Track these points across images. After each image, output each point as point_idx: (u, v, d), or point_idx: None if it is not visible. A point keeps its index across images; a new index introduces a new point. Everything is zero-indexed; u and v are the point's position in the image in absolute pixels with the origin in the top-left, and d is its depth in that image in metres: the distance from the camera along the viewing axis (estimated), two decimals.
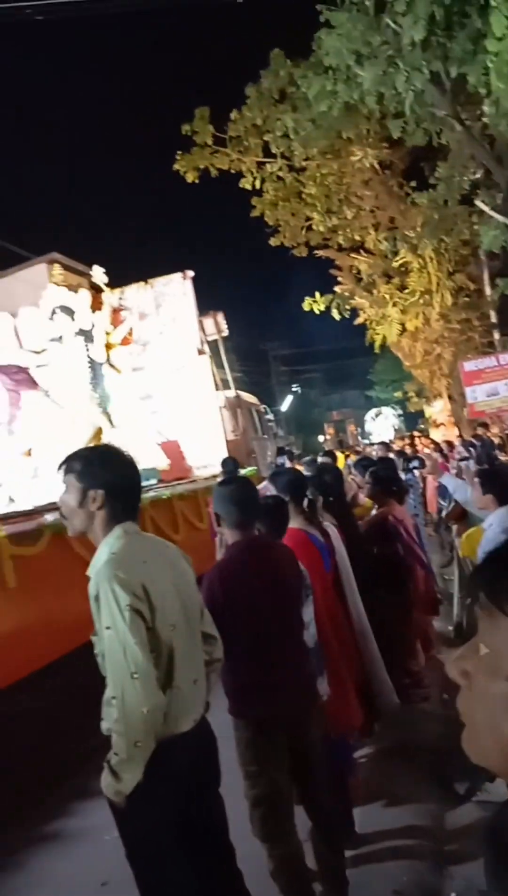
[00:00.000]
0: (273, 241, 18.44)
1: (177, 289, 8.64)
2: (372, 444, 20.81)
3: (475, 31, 8.46)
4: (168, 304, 8.64)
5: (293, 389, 42.50)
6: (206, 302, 9.15)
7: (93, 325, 7.65)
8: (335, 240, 17.86)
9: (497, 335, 17.41)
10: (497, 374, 13.98)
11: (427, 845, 3.31)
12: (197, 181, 14.78)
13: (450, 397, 18.51)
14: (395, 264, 15.94)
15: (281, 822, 2.62)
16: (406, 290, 16.10)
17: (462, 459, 8.72)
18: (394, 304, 15.82)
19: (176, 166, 14.51)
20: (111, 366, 7.83)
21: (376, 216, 16.44)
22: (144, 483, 6.70)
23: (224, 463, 7.24)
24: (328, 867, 2.86)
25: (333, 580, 3.68)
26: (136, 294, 8.70)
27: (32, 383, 7.15)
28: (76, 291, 7.44)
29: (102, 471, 2.13)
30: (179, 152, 14.37)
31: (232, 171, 14.97)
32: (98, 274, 7.98)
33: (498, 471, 4.62)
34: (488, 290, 16.64)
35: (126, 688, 1.91)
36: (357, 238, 17.06)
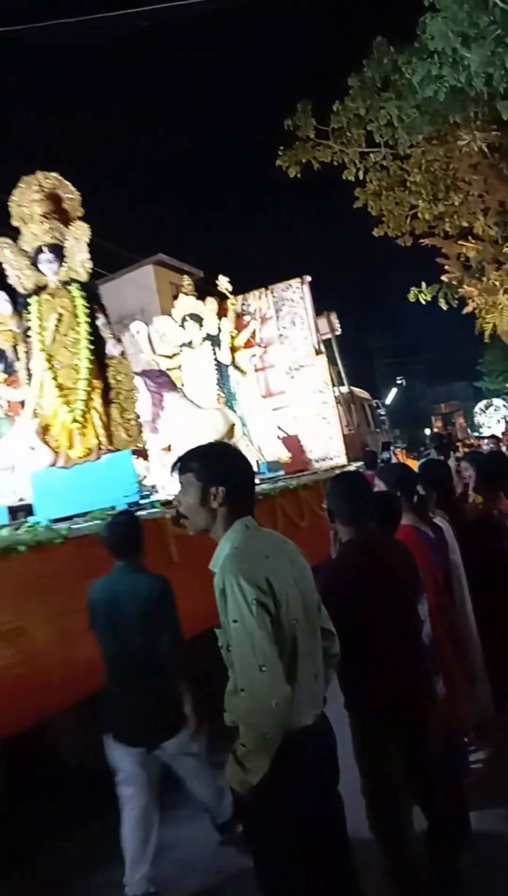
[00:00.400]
0: (377, 232, 18.16)
1: (295, 294, 9.23)
2: (482, 438, 20.17)
3: None
4: (287, 308, 9.23)
5: (398, 382, 41.76)
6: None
7: (219, 331, 8.32)
8: (441, 227, 17.38)
9: None
10: None
11: None
12: (299, 175, 14.75)
13: None
14: (506, 249, 15.33)
15: (397, 820, 2.61)
16: None
17: None
18: (505, 292, 15.25)
19: (278, 162, 14.52)
20: (236, 367, 8.49)
21: (484, 201, 15.87)
22: (272, 475, 7.04)
23: (365, 456, 7.93)
24: (442, 867, 2.83)
25: (444, 578, 3.62)
26: (257, 300, 9.34)
27: (172, 385, 7.74)
28: (203, 300, 8.14)
29: (222, 467, 2.17)
30: (281, 147, 14.39)
31: (335, 164, 14.84)
32: (223, 283, 8.57)
33: None
34: None
35: (255, 680, 1.94)
36: (465, 224, 16.53)
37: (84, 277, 5.74)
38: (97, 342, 5.64)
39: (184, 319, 8.42)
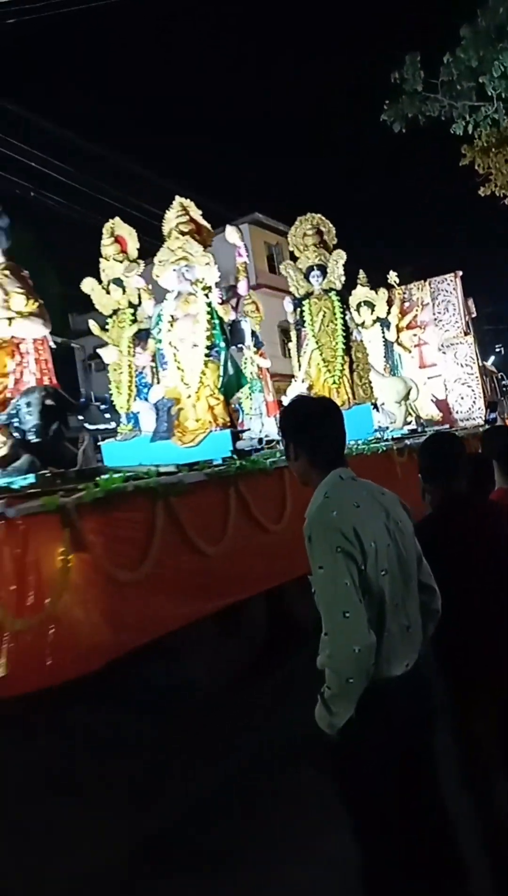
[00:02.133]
0: (483, 191, 17.26)
1: (449, 285, 11.45)
2: None
3: None
4: (442, 297, 11.48)
5: (496, 349, 39.82)
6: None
7: (388, 314, 10.31)
8: None
9: None
10: None
11: None
12: (404, 131, 14.09)
13: None
14: None
15: (488, 782, 2.58)
16: None
17: None
18: None
19: (383, 116, 13.91)
20: (400, 344, 10.63)
21: None
22: (425, 430, 8.45)
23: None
24: None
25: None
26: (418, 290, 11.59)
27: None
28: (375, 290, 10.25)
29: (302, 425, 2.29)
30: (386, 101, 13.76)
31: (442, 119, 14.07)
32: (392, 276, 10.76)
33: None
34: None
35: (338, 626, 1.98)
36: None
37: (339, 287, 7.98)
38: (346, 331, 7.93)
39: (359, 305, 10.23)
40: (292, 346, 8.22)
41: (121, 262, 7.26)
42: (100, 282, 7.53)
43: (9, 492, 3.19)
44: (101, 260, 7.54)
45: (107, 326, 7.67)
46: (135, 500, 3.54)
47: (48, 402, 4.14)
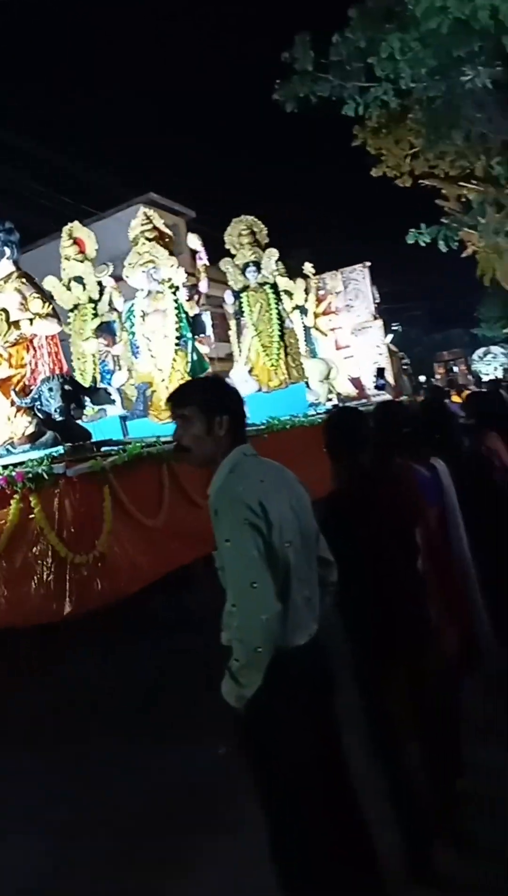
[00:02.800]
0: (375, 172, 17.76)
1: (359, 275, 12.89)
2: (482, 384, 20.12)
3: None
4: (352, 285, 12.84)
5: (394, 328, 41.31)
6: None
7: (305, 301, 10.98)
8: (441, 167, 17.02)
9: None
10: None
11: None
12: (296, 111, 14.27)
13: None
14: None
15: (395, 746, 2.70)
16: None
17: None
18: (506, 235, 14.99)
19: (275, 95, 14.04)
20: (317, 329, 11.42)
21: (487, 140, 15.48)
22: (326, 406, 9.07)
23: (432, 390, 10.48)
24: (439, 795, 2.91)
25: (439, 515, 3.65)
26: (331, 279, 12.75)
27: None
28: (293, 280, 10.80)
29: (222, 398, 2.28)
30: (277, 81, 13.90)
31: (333, 99, 14.35)
32: (308, 267, 11.25)
33: None
34: None
35: (246, 597, 2.02)
36: (466, 165, 16.17)
37: (272, 281, 8.92)
38: (281, 319, 8.90)
39: (261, 287, 10.57)
40: (233, 333, 9.15)
41: (81, 261, 8.06)
42: (60, 280, 8.33)
43: (62, 458, 3.92)
44: (62, 260, 8.40)
45: (69, 320, 8.33)
46: (149, 463, 4.47)
47: (66, 387, 4.94)
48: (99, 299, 8.08)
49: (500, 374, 28.52)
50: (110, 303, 8.12)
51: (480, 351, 36.06)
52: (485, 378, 26.65)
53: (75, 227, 8.28)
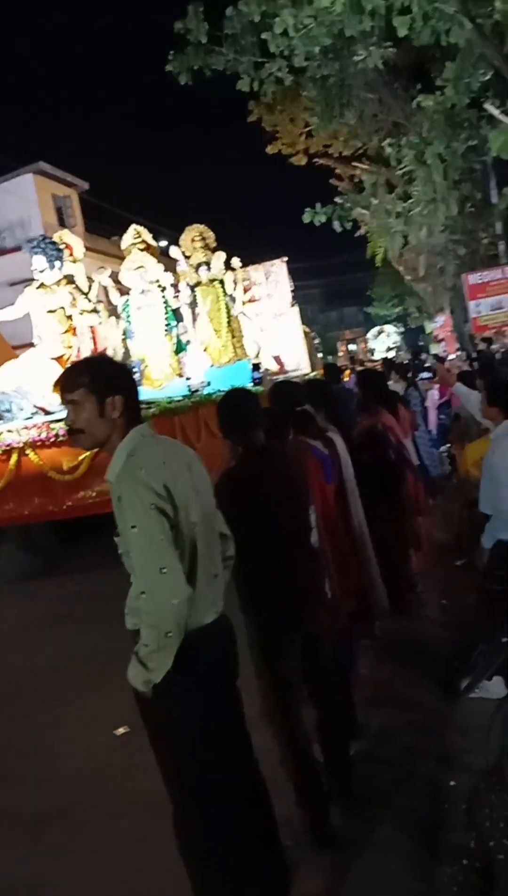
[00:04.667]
0: (271, 149, 17.80)
1: (279, 267, 14.56)
2: (375, 362, 20.72)
3: None
4: (273, 277, 14.49)
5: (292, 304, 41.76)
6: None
7: (234, 290, 11.72)
8: (335, 147, 17.23)
9: (502, 247, 17.01)
10: (503, 288, 13.71)
11: (427, 739, 3.47)
12: (191, 83, 14.01)
13: (452, 311, 18.27)
14: (399, 173, 15.38)
15: (290, 713, 2.76)
16: (410, 200, 15.59)
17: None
18: (397, 215, 15.36)
19: (168, 67, 13.68)
20: (244, 314, 12.31)
21: (379, 121, 15.79)
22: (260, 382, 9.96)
23: (327, 368, 11.17)
24: (333, 758, 3.02)
25: (336, 489, 3.74)
26: (254, 271, 14.34)
27: None
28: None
29: (114, 378, 2.18)
30: (171, 52, 13.58)
31: (228, 73, 14.18)
32: (235, 262, 11.84)
33: (504, 384, 4.63)
34: (495, 200, 16.15)
35: (155, 582, 1.98)
36: (359, 144, 16.44)
37: (221, 277, 10.80)
38: (228, 308, 10.80)
39: (211, 282, 11.79)
40: (188, 321, 10.58)
41: (73, 262, 9.05)
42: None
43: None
44: None
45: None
46: (171, 413, 6.78)
47: None
48: (88, 293, 9.21)
49: (392, 353, 29.39)
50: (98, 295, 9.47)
51: (374, 330, 37.10)
52: (379, 356, 27.46)
53: (65, 234, 9.39)
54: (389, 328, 35.83)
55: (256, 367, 8.62)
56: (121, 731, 3.87)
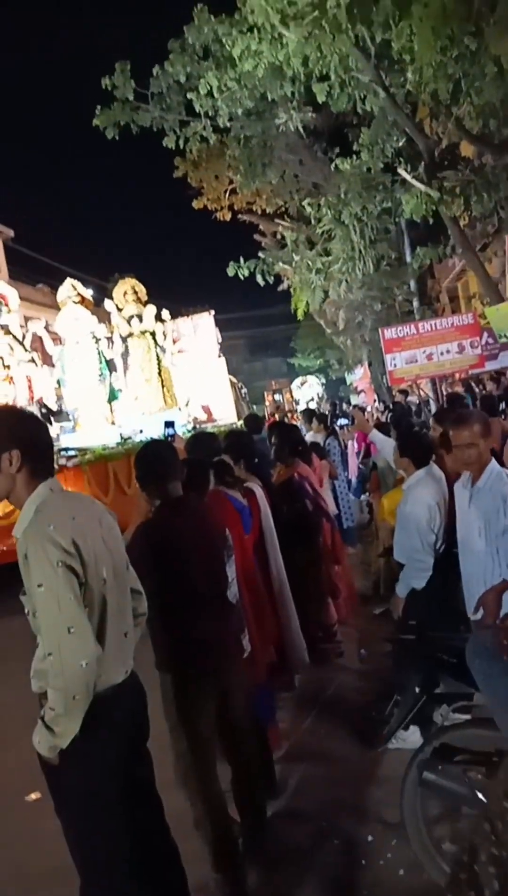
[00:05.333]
0: (196, 204, 18.16)
1: (206, 320, 15.30)
2: (296, 412, 21.08)
3: None
4: (200, 329, 15.17)
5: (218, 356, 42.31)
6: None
7: (163, 341, 12.26)
8: (258, 204, 17.73)
9: (416, 303, 17.73)
10: (416, 343, 14.22)
11: (345, 792, 3.44)
12: (117, 138, 14.23)
13: (370, 364, 18.82)
14: (318, 230, 15.94)
15: (205, 773, 2.68)
16: (330, 257, 16.16)
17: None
18: (317, 271, 15.86)
19: (96, 121, 13.86)
20: (173, 365, 12.82)
21: (299, 181, 16.37)
22: (187, 427, 11.23)
23: (247, 418, 10.79)
24: (249, 817, 2.95)
25: (255, 540, 3.74)
26: (183, 323, 14.90)
27: None
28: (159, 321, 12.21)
29: (13, 432, 2.08)
30: (98, 107, 13.81)
31: (154, 129, 14.49)
32: (165, 314, 12.32)
33: (416, 435, 4.79)
34: (409, 259, 16.89)
35: (63, 642, 1.90)
36: (281, 203, 16.97)
37: (152, 329, 11.30)
38: (158, 358, 11.26)
39: (143, 333, 12.35)
40: (119, 371, 11.31)
41: (9, 313, 9.46)
42: None
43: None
44: None
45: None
46: (105, 460, 7.17)
47: (43, 409, 6.93)
48: (23, 342, 9.82)
49: (313, 404, 29.96)
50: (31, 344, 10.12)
51: (298, 380, 37.81)
52: (302, 406, 27.92)
53: (0, 285, 9.87)
54: (312, 379, 36.62)
55: (169, 424, 8.61)
56: (33, 796, 3.69)
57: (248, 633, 3.16)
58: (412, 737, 3.54)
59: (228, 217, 18.22)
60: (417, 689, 2.98)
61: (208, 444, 3.81)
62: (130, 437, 8.73)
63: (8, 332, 9.02)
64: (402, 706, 3.33)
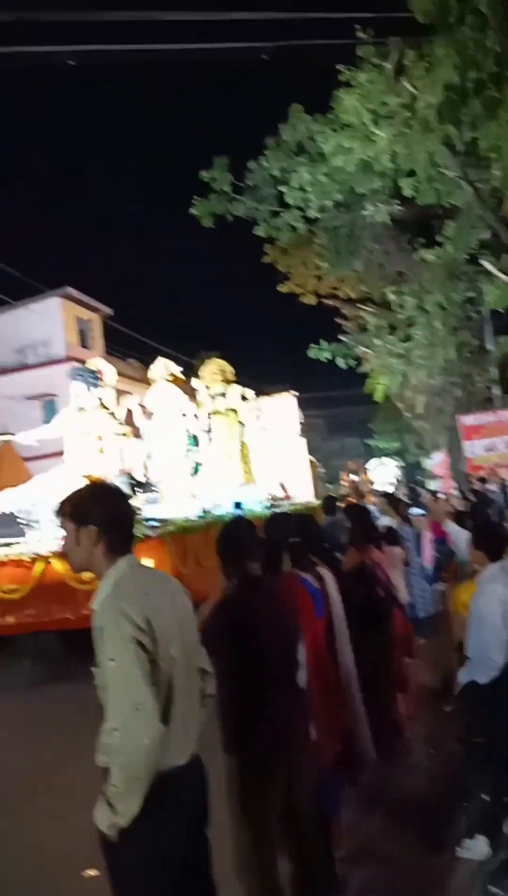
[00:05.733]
0: (282, 288, 18.78)
1: (289, 400, 14.98)
2: (376, 493, 20.89)
3: (489, 99, 8.78)
4: (282, 409, 14.86)
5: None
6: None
7: (246, 419, 12.41)
8: (343, 290, 18.19)
9: (497, 391, 17.58)
10: (496, 430, 14.06)
11: None
12: (212, 226, 15.02)
13: (448, 450, 18.60)
14: (401, 317, 16.18)
15: (265, 866, 2.61)
16: (411, 343, 16.33)
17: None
18: (398, 356, 16.01)
19: (193, 210, 14.75)
20: (253, 442, 12.79)
21: (384, 269, 16.75)
22: (267, 505, 10.50)
23: (324, 500, 11.49)
24: None
25: (325, 625, 3.71)
26: (265, 402, 14.55)
27: None
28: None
29: (93, 508, 2.17)
30: (196, 197, 14.65)
31: (247, 219, 15.22)
32: (249, 393, 12.46)
33: (491, 526, 4.70)
34: (490, 347, 16.87)
35: (129, 719, 1.92)
36: (365, 289, 17.37)
37: (236, 407, 11.42)
38: (240, 436, 11.33)
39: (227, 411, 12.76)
40: (203, 446, 11.49)
41: (105, 387, 9.77)
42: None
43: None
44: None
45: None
46: (186, 532, 7.45)
47: (131, 481, 7.99)
48: (117, 415, 10.14)
49: (392, 486, 29.61)
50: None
51: (374, 461, 37.55)
52: (378, 489, 27.66)
53: (99, 362, 10.40)
54: (389, 461, 36.31)
55: (237, 505, 8.58)
56: (91, 872, 3.64)
57: (314, 721, 3.10)
58: (479, 846, 3.37)
59: (312, 301, 18.73)
60: (486, 797, 2.86)
61: (285, 524, 3.84)
62: (209, 511, 8.75)
63: (104, 405, 9.39)
64: (470, 813, 3.19)
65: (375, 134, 10.77)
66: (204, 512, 8.57)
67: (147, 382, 11.38)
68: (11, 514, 7.90)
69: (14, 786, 5.06)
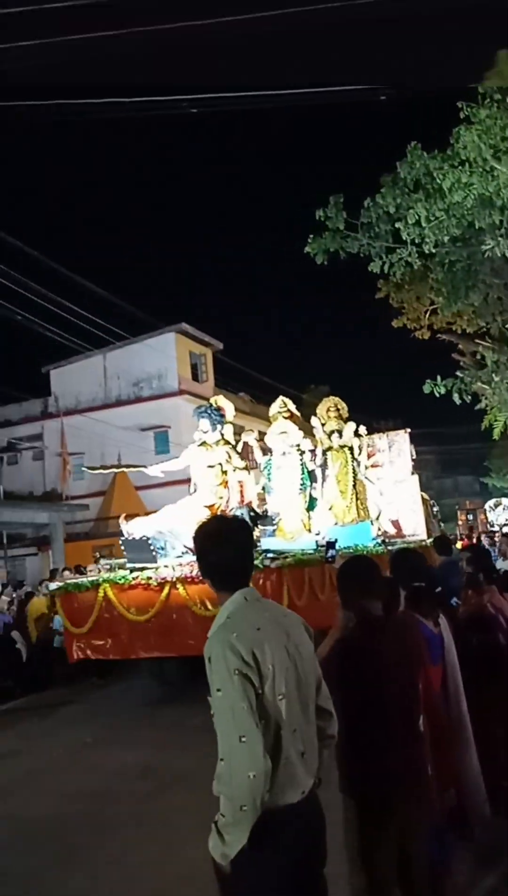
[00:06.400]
0: (396, 323, 18.63)
1: (402, 437, 15.46)
2: (494, 532, 20.20)
3: None
4: (396, 446, 15.34)
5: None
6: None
7: (359, 456, 12.85)
8: (459, 324, 17.84)
9: None
10: None
11: None
12: (325, 263, 15.12)
13: None
14: None
15: None
16: None
17: None
18: None
19: (307, 249, 14.91)
20: (366, 478, 13.17)
21: (503, 303, 16.31)
22: (378, 542, 11.67)
23: (436, 541, 11.13)
24: None
25: (441, 674, 3.60)
26: (379, 439, 15.32)
27: None
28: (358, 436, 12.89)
29: (209, 548, 2.30)
30: (310, 235, 14.83)
31: (361, 255, 15.23)
32: (362, 430, 12.97)
33: None
34: None
35: (233, 751, 1.95)
36: (482, 324, 16.96)
37: (350, 444, 12.08)
38: (354, 473, 11.92)
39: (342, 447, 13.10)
40: (318, 483, 11.75)
41: (225, 424, 10.19)
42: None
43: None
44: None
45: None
46: (303, 565, 7.88)
47: (251, 513, 8.48)
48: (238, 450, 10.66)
49: None
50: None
51: (491, 502, 36.27)
52: (496, 529, 26.67)
53: (220, 399, 10.65)
54: (506, 501, 34.94)
55: (331, 545, 8.15)
56: None
57: (430, 769, 3.00)
58: None
59: (426, 336, 18.47)
60: None
61: (411, 565, 3.75)
62: (324, 545, 8.87)
63: (226, 441, 9.78)
64: None
65: (495, 169, 10.62)
66: (318, 546, 8.68)
67: (258, 416, 11.65)
68: (145, 539, 8.29)
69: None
